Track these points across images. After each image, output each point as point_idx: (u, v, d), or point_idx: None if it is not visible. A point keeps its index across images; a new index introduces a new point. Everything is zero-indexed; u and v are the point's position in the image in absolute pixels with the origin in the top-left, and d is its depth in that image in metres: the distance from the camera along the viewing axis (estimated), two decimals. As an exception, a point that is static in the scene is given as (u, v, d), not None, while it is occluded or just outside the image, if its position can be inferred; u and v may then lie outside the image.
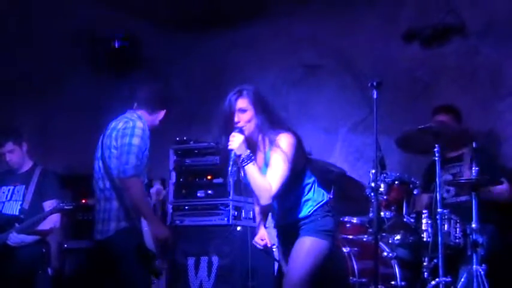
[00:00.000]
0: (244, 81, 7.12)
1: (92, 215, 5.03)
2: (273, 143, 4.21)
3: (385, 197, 5.40)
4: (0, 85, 7.60)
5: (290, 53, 7.47)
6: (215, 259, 6.18)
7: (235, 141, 4.15)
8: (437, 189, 4.93)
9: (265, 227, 4.59)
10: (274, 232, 4.56)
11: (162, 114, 5.01)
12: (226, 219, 6.27)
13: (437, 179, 4.95)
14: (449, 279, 4.87)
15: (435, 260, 4.98)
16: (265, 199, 4.18)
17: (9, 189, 6.08)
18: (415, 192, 5.50)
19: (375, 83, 4.66)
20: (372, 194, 4.99)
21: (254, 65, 7.53)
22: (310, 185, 4.35)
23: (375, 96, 4.66)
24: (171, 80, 7.74)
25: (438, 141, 4.97)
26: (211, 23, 7.44)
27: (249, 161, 4.14)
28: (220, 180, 6.35)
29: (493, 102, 6.43)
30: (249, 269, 6.01)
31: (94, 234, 4.86)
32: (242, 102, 4.25)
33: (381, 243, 5.18)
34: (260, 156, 4.29)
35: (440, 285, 4.85)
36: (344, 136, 7.13)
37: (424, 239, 5.14)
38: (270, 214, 4.56)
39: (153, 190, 5.10)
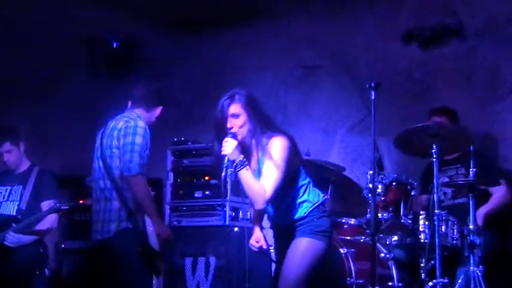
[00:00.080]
0: (243, 81, 7.23)
1: (90, 216, 5.02)
2: (266, 146, 4.21)
3: (382, 198, 5.39)
4: (-1, 85, 7.62)
5: (289, 54, 7.48)
6: (212, 260, 6.19)
7: (229, 146, 4.14)
8: (435, 190, 4.92)
9: (263, 228, 4.59)
10: (271, 233, 4.55)
11: (158, 110, 5.02)
12: (223, 220, 6.27)
13: (434, 180, 4.94)
14: (447, 280, 4.85)
15: (432, 261, 4.97)
16: (260, 204, 4.20)
17: (6, 190, 6.07)
18: (412, 194, 5.50)
19: (373, 84, 4.67)
20: (370, 195, 4.99)
21: (253, 65, 7.54)
22: (305, 186, 4.35)
23: (372, 97, 4.67)
24: (170, 80, 7.74)
25: (436, 141, 4.96)
26: (210, 24, 7.44)
27: (242, 167, 4.14)
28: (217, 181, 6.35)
29: (491, 103, 6.44)
30: (246, 270, 6.03)
31: (93, 234, 4.85)
32: (235, 108, 4.25)
33: (378, 244, 5.17)
34: (254, 160, 4.29)
35: (438, 287, 4.84)
36: (342, 137, 7.14)
37: (422, 240, 5.14)
38: (266, 215, 4.55)
39: None
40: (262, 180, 4.15)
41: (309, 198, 4.33)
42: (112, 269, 4.77)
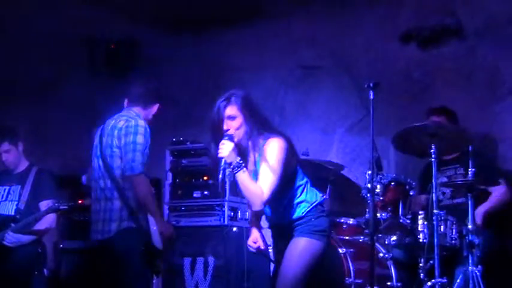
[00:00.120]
0: (242, 81, 7.23)
1: (89, 216, 5.02)
2: (263, 148, 4.20)
3: (381, 198, 5.38)
4: (-2, 85, 7.62)
5: (288, 54, 7.48)
6: (211, 260, 6.18)
7: (225, 149, 4.14)
8: (433, 190, 4.92)
9: (261, 228, 4.58)
10: (269, 233, 4.55)
11: (155, 108, 5.02)
12: (222, 220, 6.27)
13: (433, 180, 4.94)
14: (445, 280, 4.84)
15: (431, 261, 4.97)
16: (257, 205, 4.19)
17: (4, 189, 6.06)
18: (411, 193, 5.49)
19: (371, 84, 4.67)
20: (368, 195, 4.99)
21: (252, 65, 7.54)
22: (302, 186, 4.34)
23: (371, 97, 4.67)
24: (169, 80, 7.73)
25: (434, 141, 4.96)
26: (209, 24, 7.44)
27: (239, 169, 4.14)
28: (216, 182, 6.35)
29: (490, 104, 6.44)
30: (244, 270, 6.03)
31: (92, 234, 4.84)
32: (231, 109, 4.24)
33: (377, 244, 5.17)
34: (251, 162, 4.29)
35: (436, 286, 4.83)
36: (341, 137, 7.14)
37: (420, 240, 5.13)
38: (264, 216, 4.55)
39: None
40: (260, 182, 4.14)
41: (307, 198, 4.32)
42: (112, 268, 4.77)
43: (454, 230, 5.14)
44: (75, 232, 6.79)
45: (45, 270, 6.12)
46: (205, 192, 6.41)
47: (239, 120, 4.23)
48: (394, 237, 5.31)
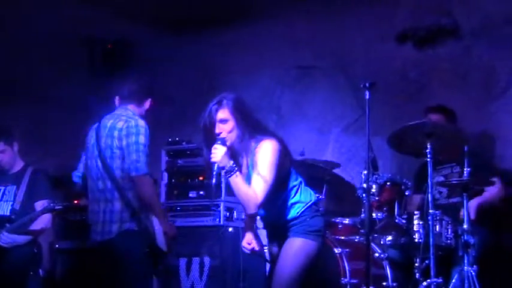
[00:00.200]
0: (238, 81, 7.23)
1: (85, 216, 5.01)
2: (255, 151, 4.20)
3: (376, 198, 5.39)
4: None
5: (284, 54, 7.48)
6: (207, 260, 6.17)
7: (218, 153, 4.13)
8: (429, 190, 4.91)
9: (257, 228, 4.58)
10: (264, 232, 4.55)
11: (148, 103, 5.01)
12: (218, 220, 6.26)
13: (429, 180, 4.93)
14: (441, 280, 4.84)
15: (427, 261, 4.96)
16: (251, 209, 4.19)
17: (0, 190, 6.05)
18: (406, 194, 5.49)
19: (367, 84, 4.67)
20: (364, 195, 4.98)
21: (248, 65, 7.54)
22: (296, 187, 4.34)
23: (367, 97, 4.66)
24: (165, 80, 7.73)
25: (430, 140, 4.95)
26: (205, 24, 7.43)
27: (232, 173, 4.13)
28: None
29: (486, 103, 6.44)
30: (240, 270, 6.02)
31: (92, 235, 4.83)
32: (223, 113, 4.23)
33: (372, 244, 5.16)
34: (244, 164, 4.28)
35: (432, 286, 4.83)
36: (337, 137, 7.14)
37: (416, 240, 5.12)
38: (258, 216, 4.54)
39: None
40: (253, 185, 4.14)
41: (301, 198, 4.32)
42: (112, 270, 4.76)
43: (449, 230, 5.14)
44: (71, 232, 6.79)
45: (40, 270, 6.11)
46: (201, 193, 6.40)
47: (231, 123, 4.22)
48: (389, 237, 5.30)
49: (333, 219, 5.62)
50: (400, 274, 5.33)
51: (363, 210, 5.23)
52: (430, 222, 4.88)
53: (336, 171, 6.05)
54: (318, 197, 4.50)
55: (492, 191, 5.55)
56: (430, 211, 4.90)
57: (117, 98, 5.01)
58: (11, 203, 5.97)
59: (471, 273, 4.86)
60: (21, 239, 5.86)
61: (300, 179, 4.37)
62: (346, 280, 5.13)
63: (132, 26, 7.53)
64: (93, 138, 4.89)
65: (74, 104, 7.73)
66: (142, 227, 4.66)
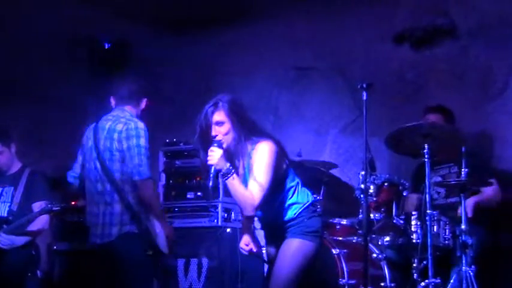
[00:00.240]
0: (235, 82, 7.23)
1: (82, 217, 5.00)
2: (252, 152, 4.19)
3: (374, 199, 5.39)
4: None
5: (282, 55, 7.47)
6: (205, 261, 6.18)
7: (215, 156, 4.12)
8: (427, 190, 4.92)
9: (255, 229, 4.58)
10: (262, 233, 4.55)
11: (144, 103, 5.01)
12: (216, 221, 6.26)
13: (426, 180, 4.94)
14: (439, 280, 4.84)
15: (424, 262, 4.97)
16: (249, 211, 4.19)
17: (-3, 191, 6.06)
18: (404, 194, 5.50)
19: (364, 85, 4.68)
20: (362, 195, 4.98)
21: (246, 66, 7.54)
22: (293, 188, 4.33)
23: (364, 98, 4.67)
24: (162, 81, 7.73)
25: (427, 141, 4.96)
26: (203, 24, 7.43)
27: (229, 175, 4.13)
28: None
29: (483, 104, 6.44)
30: (238, 271, 6.03)
31: (91, 238, 4.82)
32: (218, 115, 4.22)
33: (370, 244, 5.16)
34: (240, 166, 4.28)
35: (430, 287, 4.83)
36: (334, 137, 7.13)
37: (414, 241, 5.14)
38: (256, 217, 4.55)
39: None
40: (250, 187, 4.13)
41: (298, 199, 4.32)
42: (111, 272, 4.75)
43: (447, 230, 5.15)
44: (68, 234, 6.79)
45: (38, 272, 6.11)
46: (199, 193, 6.41)
47: (227, 125, 4.21)
48: (387, 238, 5.32)
49: (331, 220, 5.62)
50: (398, 275, 5.33)
51: (360, 211, 5.22)
52: (427, 223, 4.89)
53: (334, 172, 6.05)
54: (315, 197, 4.49)
55: (488, 192, 5.56)
56: (428, 211, 4.91)
57: (112, 98, 4.99)
58: (8, 204, 5.97)
59: (469, 273, 4.86)
60: (19, 240, 5.86)
61: (297, 180, 4.37)
62: (344, 281, 5.13)
63: (131, 26, 7.52)
64: (91, 140, 4.87)
65: (73, 104, 7.73)
66: (142, 229, 4.65)
